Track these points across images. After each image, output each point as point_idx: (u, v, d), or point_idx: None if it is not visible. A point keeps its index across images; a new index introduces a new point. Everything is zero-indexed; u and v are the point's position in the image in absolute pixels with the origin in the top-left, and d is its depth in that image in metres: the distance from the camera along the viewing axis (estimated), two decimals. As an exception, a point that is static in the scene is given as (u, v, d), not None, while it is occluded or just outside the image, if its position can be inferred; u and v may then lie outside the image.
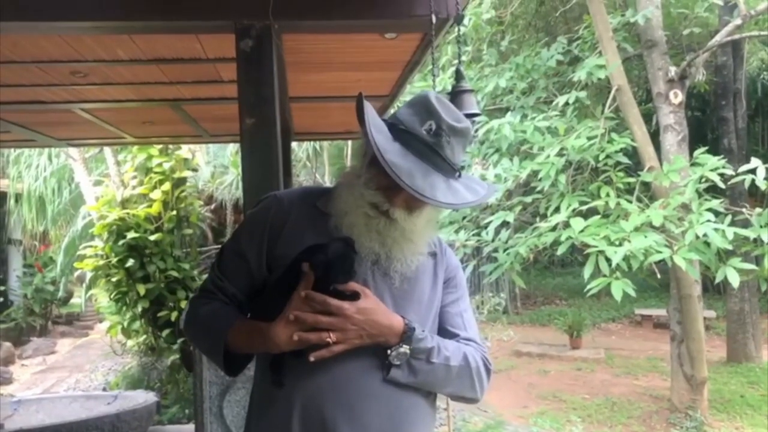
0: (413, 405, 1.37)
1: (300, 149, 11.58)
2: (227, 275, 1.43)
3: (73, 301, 13.35)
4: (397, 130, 1.31)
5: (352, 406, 1.30)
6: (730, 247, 4.99)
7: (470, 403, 1.58)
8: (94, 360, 9.92)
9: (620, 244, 5.00)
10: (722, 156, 5.67)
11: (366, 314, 1.28)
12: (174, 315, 6.56)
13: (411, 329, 1.32)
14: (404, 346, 1.31)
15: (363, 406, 1.30)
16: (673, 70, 6.76)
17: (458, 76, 2.37)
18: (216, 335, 1.37)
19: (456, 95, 2.27)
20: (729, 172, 5.41)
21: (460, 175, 1.36)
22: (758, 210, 5.42)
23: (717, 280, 5.18)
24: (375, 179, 1.31)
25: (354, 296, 1.28)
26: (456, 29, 2.70)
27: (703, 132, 11.89)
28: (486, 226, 6.12)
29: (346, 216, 1.33)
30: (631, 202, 5.62)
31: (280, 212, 1.40)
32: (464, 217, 6.62)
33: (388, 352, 1.30)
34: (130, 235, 6.50)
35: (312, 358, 1.24)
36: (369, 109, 1.30)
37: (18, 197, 11.66)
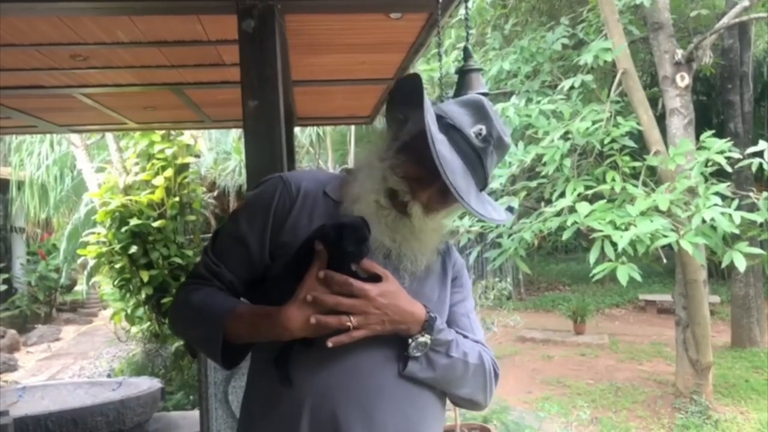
0: (428, 404, 1.29)
1: (303, 135, 11.54)
2: (224, 261, 1.30)
3: (76, 288, 13.38)
4: (445, 123, 1.22)
5: (366, 405, 1.20)
6: (737, 232, 4.95)
7: (477, 409, 1.50)
8: (99, 347, 9.96)
9: (626, 229, 4.96)
10: (728, 139, 5.61)
11: (389, 298, 1.18)
12: (178, 301, 6.53)
13: (433, 318, 1.24)
14: (425, 335, 1.22)
15: (378, 405, 1.21)
16: (679, 53, 6.69)
17: (466, 54, 2.32)
18: (214, 321, 1.23)
19: (464, 74, 2.22)
20: (736, 155, 5.37)
21: (481, 191, 1.28)
22: (765, 194, 5.38)
23: (723, 265, 5.15)
24: (403, 167, 1.22)
25: (375, 278, 1.19)
26: (461, 9, 2.65)
27: (709, 116, 11.82)
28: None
29: (357, 203, 1.24)
30: (636, 186, 5.57)
31: (287, 196, 1.29)
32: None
33: (409, 341, 1.21)
34: (133, 221, 6.49)
35: (330, 344, 1.14)
36: (426, 93, 1.21)
37: (20, 185, 11.65)
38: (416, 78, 1.22)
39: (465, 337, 1.34)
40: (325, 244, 1.16)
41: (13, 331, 10.44)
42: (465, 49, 2.37)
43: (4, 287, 11.43)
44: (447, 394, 1.34)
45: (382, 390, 1.22)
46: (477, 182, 1.24)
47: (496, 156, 1.27)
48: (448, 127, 1.22)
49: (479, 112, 1.24)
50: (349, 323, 1.15)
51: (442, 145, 1.16)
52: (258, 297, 1.28)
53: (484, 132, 1.23)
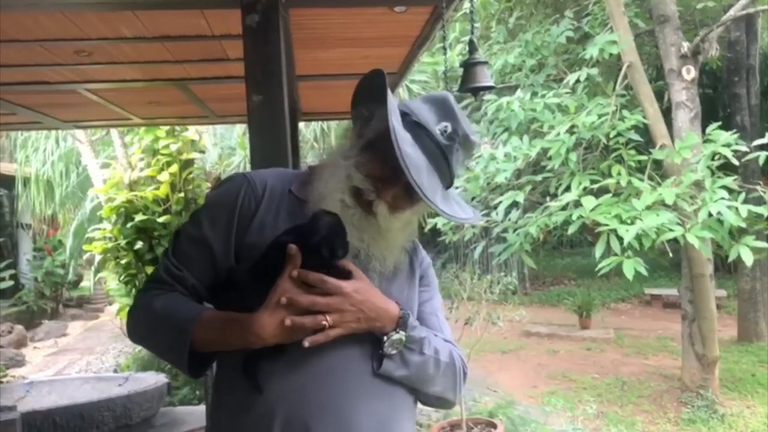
0: (402, 404, 1.27)
1: (307, 130, 11.52)
2: (186, 265, 1.25)
3: (83, 284, 13.45)
4: (410, 121, 1.20)
5: (341, 408, 1.17)
6: (743, 225, 4.93)
7: (446, 407, 1.48)
8: (105, 342, 10.00)
9: (632, 223, 4.95)
10: (735, 132, 5.58)
11: (364, 294, 1.16)
12: (183, 297, 6.55)
13: (406, 315, 1.22)
14: (400, 332, 1.20)
15: (352, 407, 1.18)
16: (685, 46, 6.64)
17: (471, 47, 2.30)
18: (179, 329, 1.18)
19: (470, 67, 2.21)
20: (743, 148, 5.34)
21: (448, 188, 1.27)
22: (772, 187, 5.36)
23: (730, 259, 5.14)
24: (368, 165, 1.20)
25: (347, 275, 1.16)
26: (466, 2, 2.64)
27: (715, 109, 11.75)
28: (496, 207, 6.07)
29: (321, 202, 1.20)
30: (642, 180, 5.55)
31: (252, 196, 1.24)
32: (473, 198, 6.57)
33: (384, 338, 1.19)
34: (138, 217, 6.48)
35: (307, 344, 1.11)
36: (389, 89, 1.19)
37: (26, 181, 11.69)
38: (380, 74, 1.21)
39: (435, 335, 1.32)
40: (311, 245, 1.12)
41: (20, 327, 10.48)
42: (470, 42, 2.35)
43: (10, 283, 11.47)
44: (417, 393, 1.32)
45: (356, 392, 1.19)
46: (443, 180, 1.22)
47: (462, 154, 1.25)
48: (413, 124, 1.20)
49: (445, 110, 1.23)
50: (324, 322, 1.12)
51: (406, 144, 1.14)
52: (223, 302, 1.24)
53: (449, 129, 1.21)
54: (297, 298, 1.11)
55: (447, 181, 1.24)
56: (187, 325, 1.17)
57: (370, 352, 1.21)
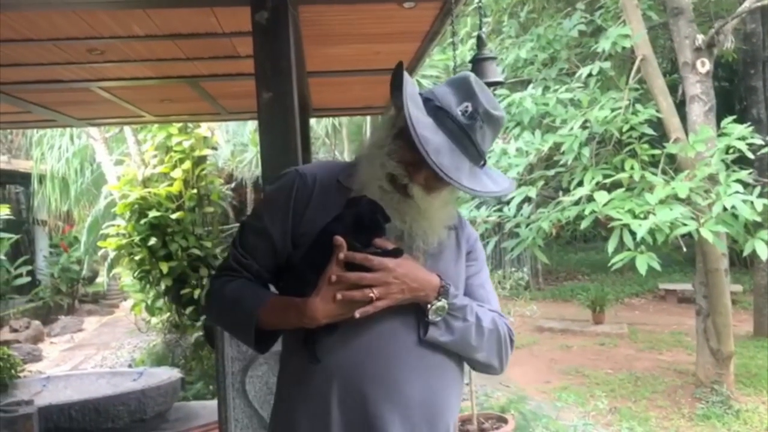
0: (448, 371, 1.37)
1: (319, 126, 11.53)
2: (251, 253, 1.41)
3: (98, 279, 13.57)
4: (432, 106, 1.29)
5: (391, 378, 1.29)
6: (759, 219, 4.87)
7: (493, 374, 1.55)
8: (120, 337, 10.10)
9: (645, 218, 4.91)
10: (750, 125, 5.51)
11: (405, 268, 1.27)
12: (197, 292, 6.62)
13: (447, 284, 1.32)
14: (442, 299, 1.30)
15: (401, 377, 1.30)
16: (700, 38, 6.56)
17: (480, 43, 2.30)
18: (247, 311, 1.35)
19: (478, 63, 2.20)
20: (758, 141, 5.27)
21: (484, 164, 1.36)
22: (788, 181, 5.29)
23: (745, 253, 5.08)
24: (399, 152, 1.29)
25: (395, 252, 1.28)
26: (476, -3, 2.63)
27: (731, 102, 11.62)
28: (508, 202, 6.05)
29: (363, 190, 1.32)
30: (656, 174, 5.50)
31: (304, 188, 1.37)
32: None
33: (428, 306, 1.30)
34: (152, 213, 6.55)
35: (358, 314, 1.23)
36: (408, 79, 1.28)
37: (42, 178, 11.80)
38: (398, 66, 1.28)
39: (479, 305, 1.42)
40: (355, 220, 1.25)
41: (37, 322, 10.61)
42: (478, 38, 2.35)
43: (28, 279, 11.61)
44: (465, 360, 1.41)
45: (404, 359, 1.30)
46: (470, 158, 1.29)
47: (489, 130, 1.32)
48: (435, 109, 1.28)
49: (465, 90, 1.30)
50: (372, 294, 1.23)
51: (424, 129, 1.23)
52: (284, 285, 1.40)
53: (470, 109, 1.29)
54: (345, 274, 1.24)
55: (475, 158, 1.31)
56: (254, 311, 1.34)
57: (416, 322, 1.32)
